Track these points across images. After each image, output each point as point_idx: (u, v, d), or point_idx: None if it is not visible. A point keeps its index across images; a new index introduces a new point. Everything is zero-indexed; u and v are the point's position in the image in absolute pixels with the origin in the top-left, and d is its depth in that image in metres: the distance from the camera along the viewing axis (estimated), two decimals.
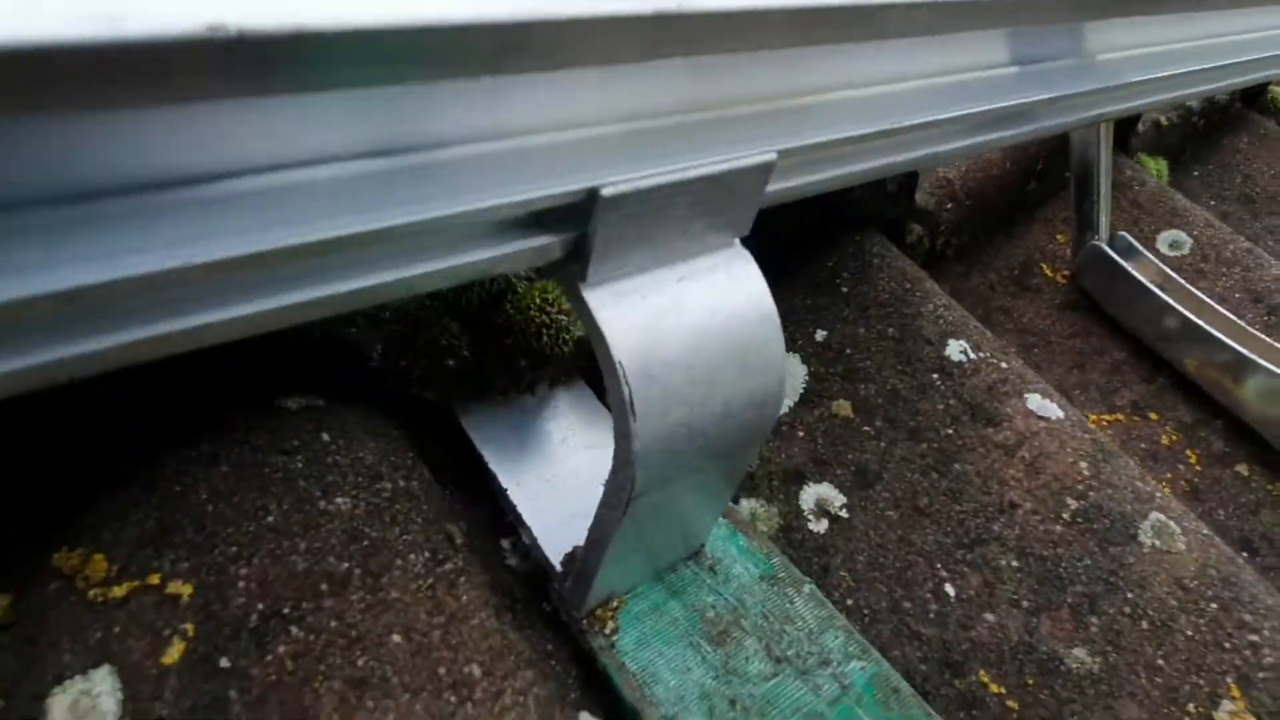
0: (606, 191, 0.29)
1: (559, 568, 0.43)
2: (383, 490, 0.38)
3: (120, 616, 0.32)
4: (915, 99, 0.40)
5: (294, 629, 0.32)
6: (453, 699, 0.32)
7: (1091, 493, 0.52)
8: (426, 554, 0.36)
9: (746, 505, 0.53)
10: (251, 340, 0.21)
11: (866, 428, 0.56)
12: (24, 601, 0.33)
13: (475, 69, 0.24)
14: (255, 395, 0.39)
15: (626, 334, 0.32)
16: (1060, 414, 0.56)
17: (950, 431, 0.55)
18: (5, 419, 0.36)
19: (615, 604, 0.44)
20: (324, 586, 0.33)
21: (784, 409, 0.56)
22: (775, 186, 0.35)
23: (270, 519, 0.34)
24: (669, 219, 0.33)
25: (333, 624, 0.32)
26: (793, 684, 0.43)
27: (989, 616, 0.49)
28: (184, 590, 0.32)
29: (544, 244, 0.31)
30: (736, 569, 0.48)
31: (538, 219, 0.29)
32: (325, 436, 0.38)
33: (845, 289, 0.62)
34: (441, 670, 0.32)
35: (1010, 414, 0.55)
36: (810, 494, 0.53)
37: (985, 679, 0.47)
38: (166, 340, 0.20)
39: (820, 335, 0.59)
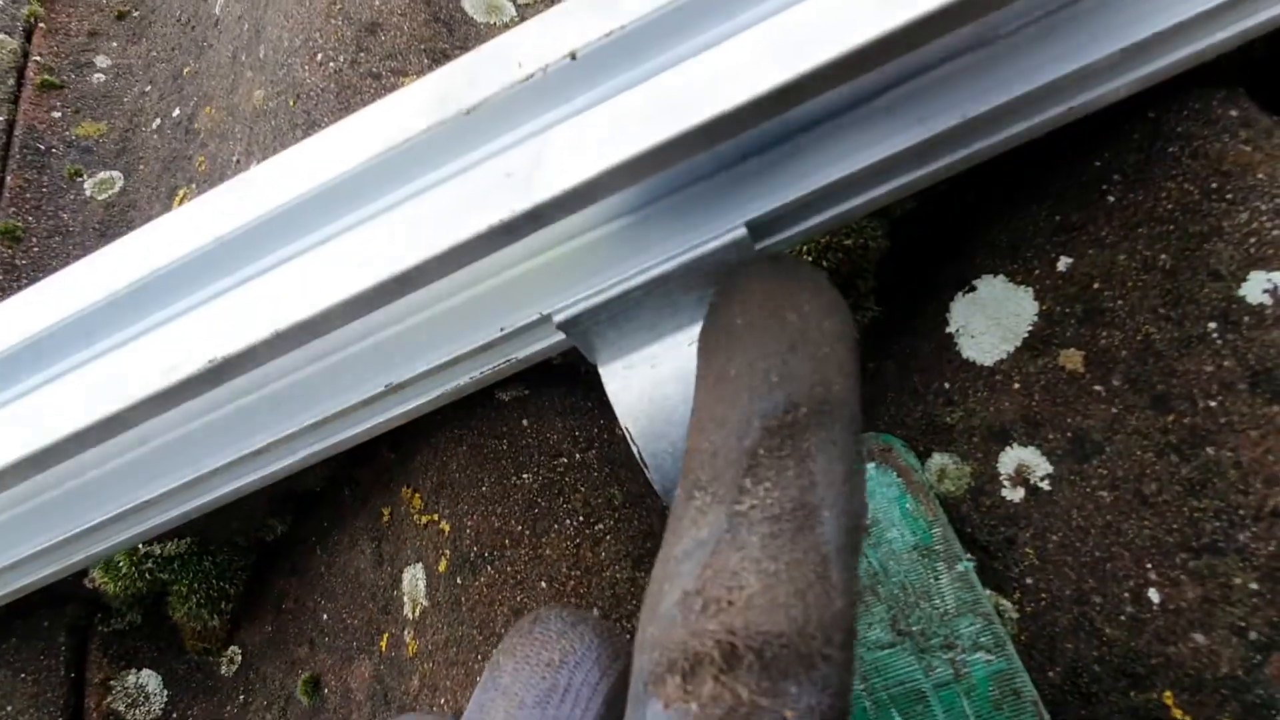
0: (558, 318, 0.35)
1: None
2: (558, 465, 0.52)
3: (424, 535, 0.54)
4: None
5: (489, 568, 0.50)
6: None
7: None
8: (580, 518, 0.50)
9: (938, 460, 0.51)
10: None
11: (1098, 387, 0.46)
12: (394, 515, 0.58)
13: None
14: (481, 392, 0.55)
15: (632, 401, 0.39)
16: None
17: (1213, 404, 0.43)
18: None
19: None
20: (506, 541, 0.50)
21: (1002, 355, 0.50)
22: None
23: (484, 489, 0.52)
24: (654, 306, 0.36)
25: (508, 569, 0.49)
26: (906, 658, 0.46)
27: (1198, 637, 0.41)
28: (445, 526, 0.53)
29: (555, 342, 0.39)
30: (892, 533, 0.49)
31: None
32: (525, 422, 0.53)
33: (1112, 198, 0.48)
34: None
35: None
36: (1012, 457, 0.49)
37: (1170, 700, 0.41)
38: None
39: (1064, 264, 0.49)
